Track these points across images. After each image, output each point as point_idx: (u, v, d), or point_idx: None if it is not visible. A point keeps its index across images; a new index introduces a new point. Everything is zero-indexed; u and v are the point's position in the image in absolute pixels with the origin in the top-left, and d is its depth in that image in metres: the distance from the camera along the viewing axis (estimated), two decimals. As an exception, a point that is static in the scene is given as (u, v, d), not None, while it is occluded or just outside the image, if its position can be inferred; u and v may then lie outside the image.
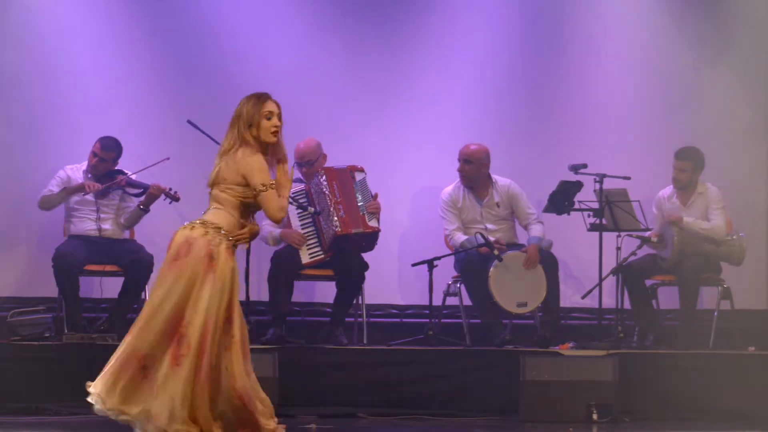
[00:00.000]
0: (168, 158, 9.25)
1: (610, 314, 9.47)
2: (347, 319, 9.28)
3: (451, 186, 9.59)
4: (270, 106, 6.07)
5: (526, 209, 9.48)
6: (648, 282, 9.49)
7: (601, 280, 9.23)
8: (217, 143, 9.11)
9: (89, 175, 9.33)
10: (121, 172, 9.29)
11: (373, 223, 9.13)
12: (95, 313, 9.47)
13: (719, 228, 9.37)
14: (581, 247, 9.84)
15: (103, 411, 6.00)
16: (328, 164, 9.27)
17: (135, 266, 9.15)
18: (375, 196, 9.18)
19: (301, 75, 10.00)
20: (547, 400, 8.26)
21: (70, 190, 9.22)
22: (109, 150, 9.27)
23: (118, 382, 5.99)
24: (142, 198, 9.29)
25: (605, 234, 9.28)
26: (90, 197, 9.27)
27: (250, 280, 9.10)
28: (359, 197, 9.12)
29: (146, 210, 9.30)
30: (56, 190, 9.24)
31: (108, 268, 9.25)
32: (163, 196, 9.23)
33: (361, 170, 9.27)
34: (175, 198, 9.23)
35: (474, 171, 9.44)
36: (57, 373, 8.35)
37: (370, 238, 9.19)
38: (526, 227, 9.46)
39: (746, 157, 10.25)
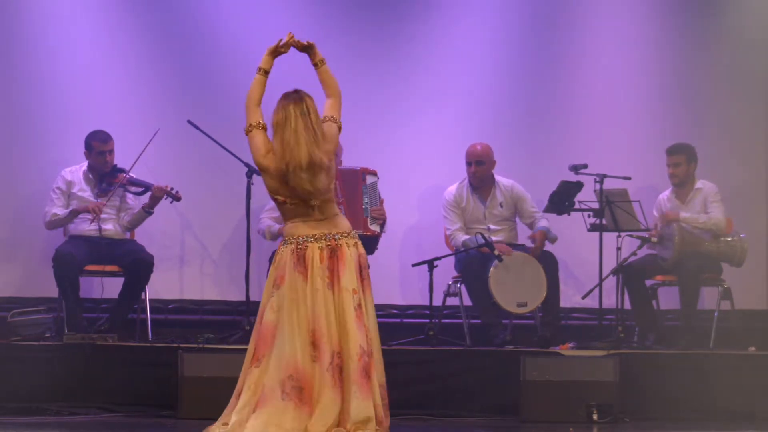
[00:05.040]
0: (158, 129, 9.22)
1: (610, 314, 9.47)
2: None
3: (454, 186, 9.60)
4: None
5: (531, 208, 9.51)
6: (648, 282, 9.49)
7: (601, 280, 9.23)
8: (217, 143, 9.20)
9: (90, 176, 9.33)
10: (122, 170, 9.29)
11: (373, 227, 9.15)
12: (96, 313, 9.47)
13: (718, 220, 9.39)
14: (581, 248, 9.85)
15: None
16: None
17: (135, 266, 9.15)
18: (381, 202, 9.21)
19: (302, 76, 9.96)
20: (547, 401, 8.25)
21: (76, 213, 9.19)
22: (107, 140, 9.27)
23: None
24: (146, 200, 9.28)
25: (605, 234, 9.28)
26: (91, 197, 9.27)
27: (250, 280, 9.10)
28: (366, 199, 9.13)
29: (150, 212, 9.30)
30: (60, 211, 9.21)
31: (108, 268, 9.25)
32: (165, 196, 9.23)
33: (374, 173, 9.28)
34: (176, 197, 9.24)
35: (486, 170, 9.48)
36: (57, 374, 8.35)
37: (368, 242, 9.20)
38: (531, 225, 9.48)
39: (746, 157, 10.26)
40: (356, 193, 9.14)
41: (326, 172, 6.26)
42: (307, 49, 6.49)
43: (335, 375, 6.14)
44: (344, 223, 6.37)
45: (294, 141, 6.18)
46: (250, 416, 6.14)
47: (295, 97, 6.29)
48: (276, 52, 6.45)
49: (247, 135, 6.31)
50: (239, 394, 6.28)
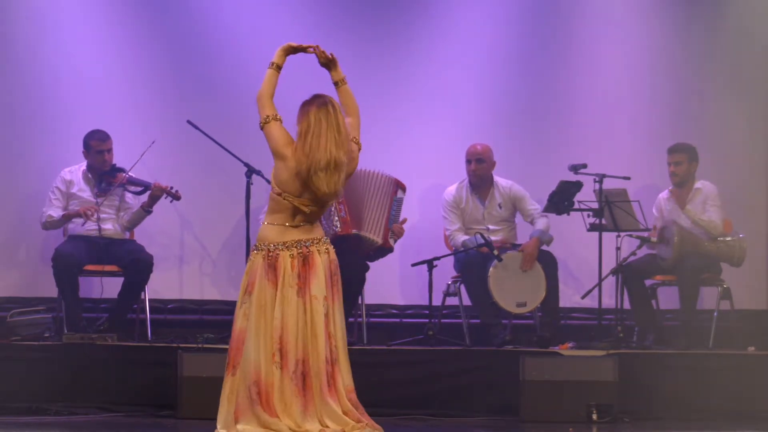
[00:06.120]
0: (153, 141, 9.23)
1: (609, 314, 9.47)
2: (348, 320, 9.28)
3: (453, 186, 9.60)
4: None
5: (530, 207, 9.51)
6: (648, 282, 9.49)
7: (600, 280, 9.23)
8: (217, 143, 9.19)
9: (89, 175, 9.33)
10: (121, 169, 9.29)
11: (391, 241, 9.21)
12: (95, 313, 9.47)
13: (715, 223, 9.40)
14: (581, 247, 9.86)
15: None
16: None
17: (135, 266, 9.15)
18: (403, 221, 9.25)
19: (303, 76, 9.97)
20: (547, 400, 8.25)
21: (68, 217, 9.21)
22: (105, 139, 9.27)
23: None
24: (145, 199, 9.29)
25: (605, 234, 9.28)
26: (91, 197, 9.26)
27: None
28: (393, 213, 9.19)
29: (149, 211, 9.31)
30: (55, 214, 9.20)
31: (108, 268, 9.25)
32: (164, 195, 9.23)
33: (404, 189, 9.34)
34: (176, 196, 9.24)
35: (486, 169, 9.49)
36: (57, 374, 8.35)
37: (381, 252, 9.26)
38: (531, 222, 9.48)
39: (746, 157, 10.27)
40: (383, 203, 9.16)
41: (348, 175, 6.29)
42: (330, 63, 6.45)
43: (299, 383, 6.19)
44: (318, 231, 6.37)
45: (315, 144, 6.18)
46: (233, 428, 6.19)
47: (319, 101, 6.27)
48: (294, 51, 6.42)
49: (263, 128, 6.28)
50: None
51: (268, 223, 6.34)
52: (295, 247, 6.27)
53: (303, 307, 6.23)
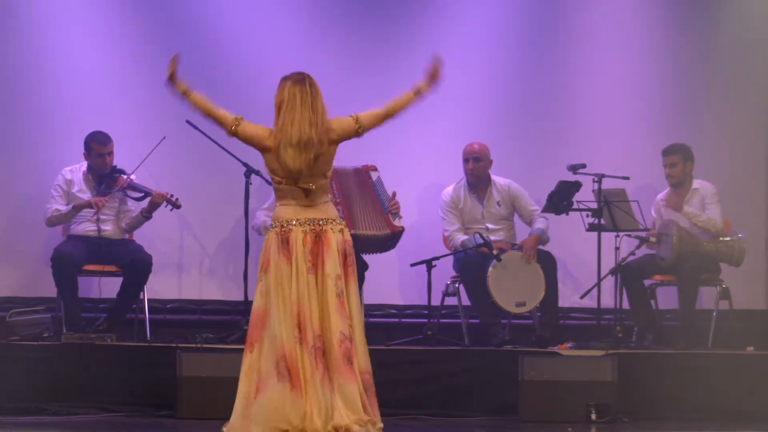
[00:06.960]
0: (164, 137, 9.21)
1: (608, 314, 9.47)
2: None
3: (451, 186, 9.60)
4: None
5: (529, 206, 9.51)
6: (647, 282, 9.50)
7: (599, 280, 9.23)
8: (216, 143, 9.19)
9: (90, 177, 9.32)
10: (122, 171, 9.28)
11: (397, 223, 9.17)
12: (94, 313, 9.47)
13: (715, 220, 9.40)
14: (580, 247, 9.86)
15: None
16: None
17: (134, 266, 9.15)
18: (394, 195, 9.21)
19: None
20: (546, 400, 8.25)
21: (78, 208, 9.19)
22: (106, 142, 9.25)
23: None
24: (145, 205, 9.27)
25: (604, 234, 9.29)
26: (90, 199, 9.25)
27: (249, 280, 9.11)
28: (381, 197, 9.15)
29: (148, 217, 9.30)
30: (62, 207, 9.20)
31: (107, 268, 9.25)
32: (164, 203, 9.22)
33: (375, 169, 9.29)
34: (176, 205, 9.22)
35: (483, 168, 9.49)
36: (56, 374, 8.35)
37: (395, 238, 9.23)
38: (530, 223, 9.48)
39: (745, 157, 10.27)
40: (366, 193, 9.15)
41: (320, 155, 6.27)
42: (433, 79, 6.71)
43: (317, 358, 6.19)
44: (332, 211, 6.41)
45: (289, 119, 6.22)
46: (252, 403, 6.16)
47: (297, 77, 6.32)
48: (172, 76, 6.57)
49: (236, 134, 6.34)
50: None
51: (281, 205, 6.37)
52: (308, 224, 6.31)
53: (315, 283, 6.25)
